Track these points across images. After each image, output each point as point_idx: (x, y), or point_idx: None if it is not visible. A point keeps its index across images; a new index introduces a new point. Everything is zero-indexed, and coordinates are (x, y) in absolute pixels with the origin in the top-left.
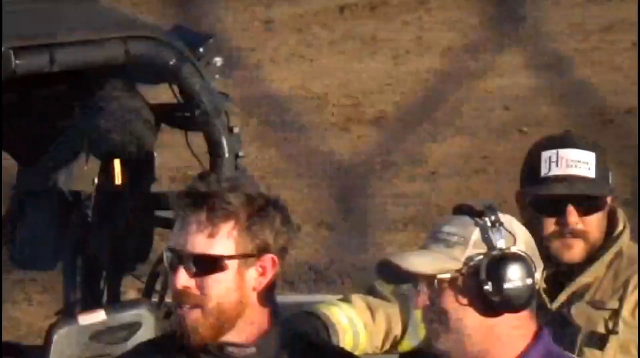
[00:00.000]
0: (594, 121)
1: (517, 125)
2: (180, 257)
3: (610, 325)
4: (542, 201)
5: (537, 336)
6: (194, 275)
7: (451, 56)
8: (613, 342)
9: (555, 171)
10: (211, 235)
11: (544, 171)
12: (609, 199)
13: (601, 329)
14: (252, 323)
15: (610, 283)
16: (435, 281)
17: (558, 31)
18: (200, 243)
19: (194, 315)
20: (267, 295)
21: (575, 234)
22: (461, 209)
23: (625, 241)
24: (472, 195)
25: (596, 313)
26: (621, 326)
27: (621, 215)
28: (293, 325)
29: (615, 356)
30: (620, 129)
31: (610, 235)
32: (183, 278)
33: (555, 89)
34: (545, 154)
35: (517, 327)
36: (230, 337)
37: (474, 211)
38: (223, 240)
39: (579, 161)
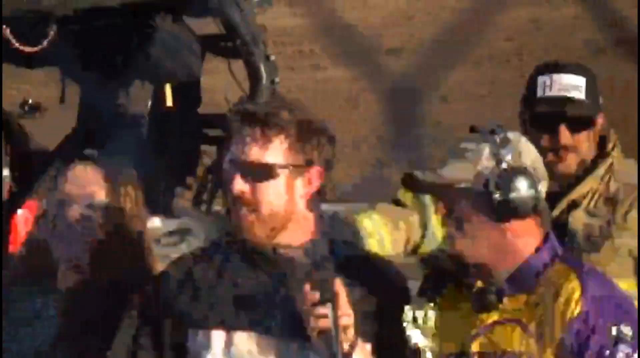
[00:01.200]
0: (585, 51)
1: (518, 54)
2: (237, 165)
3: (605, 230)
4: (538, 120)
5: (544, 239)
6: (248, 182)
7: None
8: (607, 245)
9: (549, 93)
10: (264, 147)
11: (539, 94)
12: (598, 118)
13: (596, 234)
14: (300, 228)
15: (603, 194)
16: (451, 191)
17: None
18: (255, 153)
19: (250, 218)
20: (314, 204)
21: (567, 149)
22: (475, 129)
23: (616, 156)
24: (479, 117)
25: (592, 220)
26: (614, 231)
27: (612, 134)
28: (333, 232)
29: (609, 257)
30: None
31: (602, 151)
32: (239, 184)
33: (552, 22)
34: (540, 79)
35: (525, 232)
36: (280, 239)
37: (486, 130)
38: (275, 151)
39: (571, 85)
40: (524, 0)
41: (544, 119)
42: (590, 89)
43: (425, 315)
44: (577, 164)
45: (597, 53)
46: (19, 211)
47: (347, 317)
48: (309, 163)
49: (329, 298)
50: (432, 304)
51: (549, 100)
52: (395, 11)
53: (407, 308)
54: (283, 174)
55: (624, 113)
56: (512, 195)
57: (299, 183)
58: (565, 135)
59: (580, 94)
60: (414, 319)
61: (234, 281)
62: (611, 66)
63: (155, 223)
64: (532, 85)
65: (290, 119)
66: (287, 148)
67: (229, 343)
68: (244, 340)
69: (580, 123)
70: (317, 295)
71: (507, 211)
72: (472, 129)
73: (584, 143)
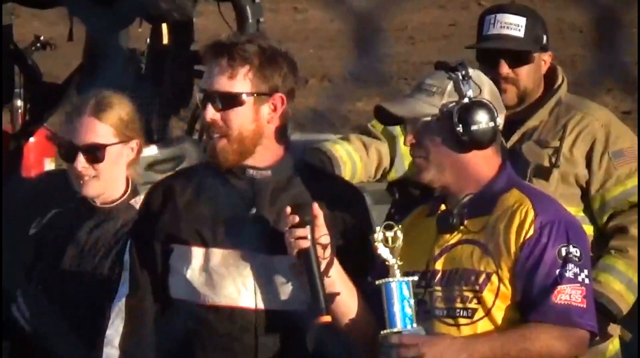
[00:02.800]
0: None
1: None
2: (208, 95)
3: (553, 159)
4: (483, 55)
5: (501, 168)
6: (219, 110)
7: None
8: (555, 174)
9: (492, 31)
10: (231, 77)
11: (484, 31)
12: (536, 55)
13: (546, 163)
14: (268, 151)
15: (553, 125)
16: (419, 124)
17: None
18: (223, 83)
19: (221, 143)
20: (280, 129)
21: (508, 81)
22: (440, 65)
23: (563, 92)
24: (441, 56)
25: (541, 151)
26: (562, 160)
27: (560, 71)
28: (304, 157)
29: (557, 185)
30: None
31: (551, 87)
32: (210, 112)
33: None
34: (487, 18)
35: (485, 161)
36: (250, 161)
37: (449, 67)
38: (240, 81)
39: (511, 24)
40: None
41: (486, 54)
42: (530, 27)
43: (395, 235)
44: (517, 96)
45: None
46: (31, 139)
47: (325, 236)
48: (273, 90)
49: (309, 221)
50: (400, 225)
51: (491, 37)
52: None
53: (377, 228)
54: (249, 101)
55: (572, 52)
56: (474, 127)
57: (265, 109)
58: (504, 68)
59: (519, 32)
60: (385, 239)
61: (209, 200)
62: (561, 10)
63: (152, 151)
64: (480, 24)
65: (254, 50)
66: (252, 77)
67: (206, 259)
68: (220, 256)
69: (517, 58)
70: (297, 218)
71: (469, 142)
72: (437, 66)
73: (523, 77)
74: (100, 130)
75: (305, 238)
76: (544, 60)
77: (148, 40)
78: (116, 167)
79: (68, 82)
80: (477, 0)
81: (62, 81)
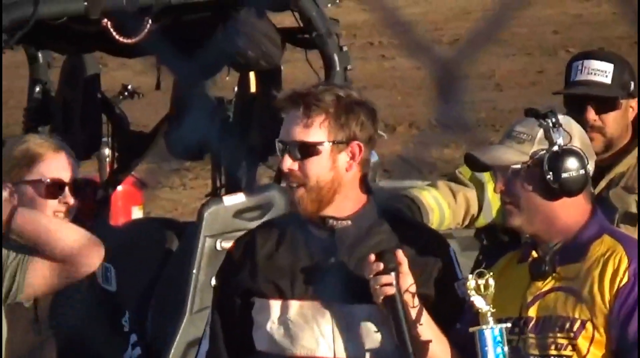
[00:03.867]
0: (624, 43)
1: (564, 46)
2: (285, 145)
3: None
4: (570, 101)
5: (592, 214)
6: (296, 160)
7: None
8: None
9: (579, 77)
10: (307, 126)
11: (572, 77)
12: (623, 102)
13: (633, 209)
14: (348, 200)
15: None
16: (509, 171)
17: None
18: (299, 132)
19: (299, 192)
20: (360, 177)
21: (594, 129)
22: (529, 112)
23: None
24: (529, 102)
25: (629, 196)
26: None
27: None
28: (389, 204)
29: None
30: None
31: (638, 133)
32: (288, 162)
33: (595, 17)
34: (574, 64)
35: (575, 208)
36: (330, 210)
37: (539, 114)
38: (316, 130)
39: (598, 70)
40: None
41: (574, 100)
42: (618, 74)
43: (487, 282)
44: (604, 143)
45: (634, 44)
46: (119, 188)
47: (411, 284)
48: (350, 139)
49: (393, 268)
50: (491, 273)
51: (578, 83)
52: (454, 7)
53: (469, 276)
54: (325, 150)
55: None
56: (564, 175)
57: (342, 157)
58: (590, 114)
59: (606, 79)
60: (477, 287)
61: (289, 250)
62: None
63: (240, 198)
64: (568, 70)
65: (330, 98)
66: (328, 125)
67: (284, 311)
68: (297, 307)
69: (604, 104)
70: (381, 265)
71: (560, 190)
72: (527, 113)
73: (610, 124)
74: None
75: (390, 284)
76: (632, 106)
77: (235, 88)
78: None
79: (155, 131)
80: (565, 47)
81: (149, 129)
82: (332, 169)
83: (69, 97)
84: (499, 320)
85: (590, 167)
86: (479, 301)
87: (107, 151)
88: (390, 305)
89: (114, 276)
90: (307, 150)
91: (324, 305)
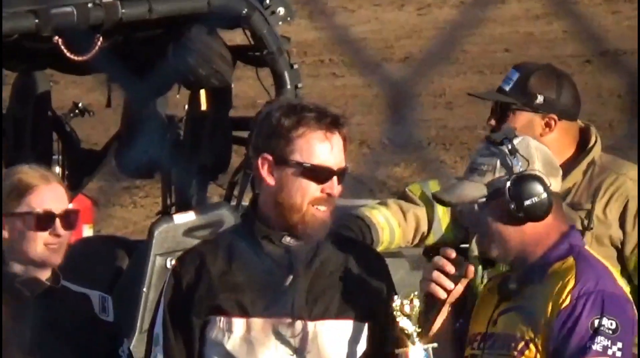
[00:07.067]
0: (575, 62)
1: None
2: (335, 171)
3: (586, 222)
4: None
5: (564, 234)
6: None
7: (463, 8)
8: (588, 236)
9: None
10: (343, 150)
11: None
12: (525, 113)
13: (579, 226)
14: None
15: (586, 187)
16: (475, 206)
17: None
18: (342, 158)
19: (325, 216)
20: None
21: (493, 131)
22: (486, 140)
23: (597, 153)
24: (481, 120)
25: (574, 213)
26: (595, 222)
27: (593, 131)
28: (341, 224)
29: (591, 247)
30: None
31: (584, 148)
32: (339, 187)
33: (547, 35)
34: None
35: (545, 229)
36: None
37: (495, 142)
38: (342, 153)
39: (508, 77)
40: (521, 15)
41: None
42: (518, 82)
43: (412, 303)
44: None
45: (585, 63)
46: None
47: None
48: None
49: (459, 276)
50: (416, 293)
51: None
52: (405, 25)
53: (395, 297)
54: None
55: (610, 117)
56: (527, 203)
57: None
58: (493, 116)
59: (508, 86)
60: (402, 307)
61: (244, 267)
62: (598, 75)
63: (190, 216)
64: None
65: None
66: (343, 149)
67: (248, 329)
68: (261, 325)
69: (505, 111)
70: (453, 268)
71: (525, 217)
72: (487, 139)
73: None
74: None
75: (446, 290)
76: (547, 123)
77: (186, 106)
78: None
79: (106, 148)
80: (517, 67)
81: (100, 147)
82: None
83: (19, 114)
84: (470, 336)
85: (556, 185)
86: (404, 322)
87: (57, 169)
88: (429, 304)
89: (111, 306)
90: (344, 174)
91: (287, 322)
